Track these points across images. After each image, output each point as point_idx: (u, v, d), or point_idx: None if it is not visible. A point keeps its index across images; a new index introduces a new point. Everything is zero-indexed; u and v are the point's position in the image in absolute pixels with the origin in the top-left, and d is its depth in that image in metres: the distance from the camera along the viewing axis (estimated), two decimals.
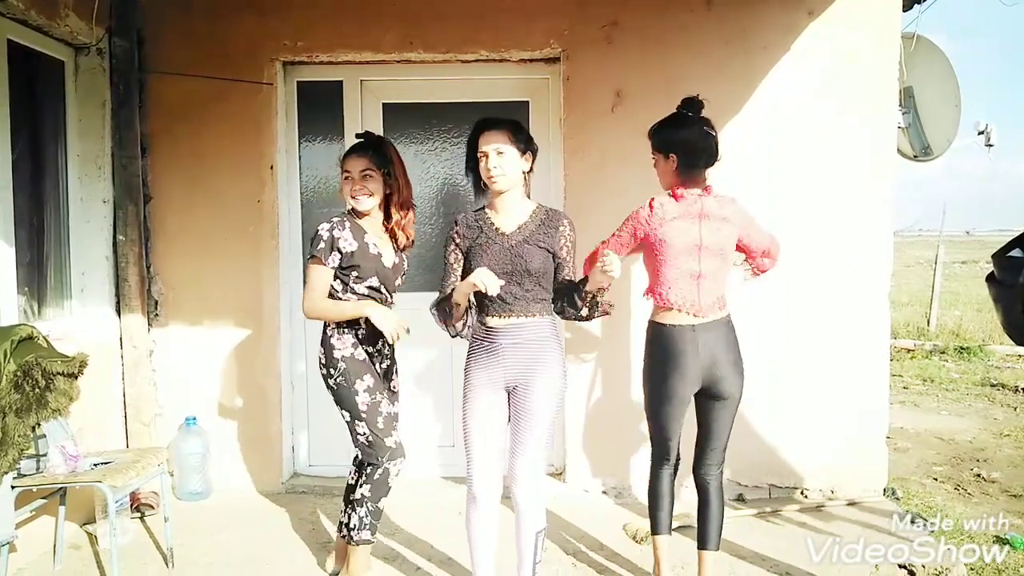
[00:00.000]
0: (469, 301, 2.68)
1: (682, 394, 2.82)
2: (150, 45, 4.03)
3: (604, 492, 4.13)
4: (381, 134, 4.18)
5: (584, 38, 3.98)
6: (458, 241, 2.75)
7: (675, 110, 2.87)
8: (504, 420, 2.74)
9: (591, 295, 2.64)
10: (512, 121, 2.73)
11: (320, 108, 4.26)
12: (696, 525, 2.96)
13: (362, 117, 4.20)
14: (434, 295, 2.83)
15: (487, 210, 2.76)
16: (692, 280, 2.78)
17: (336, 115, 4.22)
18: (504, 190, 2.68)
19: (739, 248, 2.94)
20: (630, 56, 3.97)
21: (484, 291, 2.50)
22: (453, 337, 2.76)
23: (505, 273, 2.63)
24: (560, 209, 3.99)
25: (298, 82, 4.22)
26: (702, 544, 2.91)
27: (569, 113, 4.01)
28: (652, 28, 3.96)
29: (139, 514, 3.82)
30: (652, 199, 2.80)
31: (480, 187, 2.76)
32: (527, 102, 4.21)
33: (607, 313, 2.73)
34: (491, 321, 2.69)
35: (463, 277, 2.73)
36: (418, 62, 4.11)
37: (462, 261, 2.76)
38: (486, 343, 2.70)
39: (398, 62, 4.12)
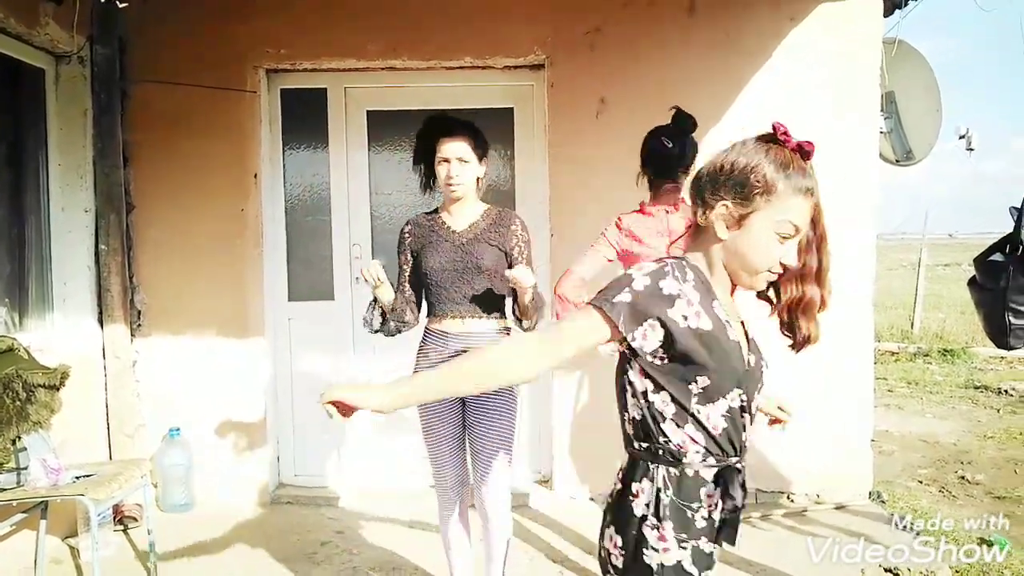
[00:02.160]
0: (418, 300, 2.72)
1: None
2: (132, 53, 4.01)
3: (591, 499, 4.12)
4: (366, 142, 4.20)
5: (568, 45, 3.98)
6: (408, 241, 2.74)
7: None
8: (462, 423, 2.72)
9: (525, 308, 2.62)
10: (470, 125, 2.69)
11: (304, 116, 4.24)
12: None
13: (347, 125, 4.19)
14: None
15: (439, 212, 2.75)
16: None
17: (320, 123, 4.21)
18: (461, 198, 2.68)
19: None
20: (614, 63, 3.98)
21: (519, 286, 2.48)
22: (387, 334, 2.73)
23: (456, 271, 2.62)
24: (547, 215, 4.02)
25: (282, 90, 4.20)
26: None
27: (554, 120, 4.02)
28: (636, 35, 3.97)
29: (122, 527, 3.78)
30: (619, 218, 2.83)
31: (429, 184, 2.74)
32: (512, 109, 4.21)
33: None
34: (447, 325, 2.66)
35: (414, 277, 2.73)
36: (402, 69, 4.11)
37: (411, 263, 2.75)
38: (439, 347, 2.67)
39: (382, 69, 4.11)
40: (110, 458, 3.96)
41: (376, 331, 2.75)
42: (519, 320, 2.69)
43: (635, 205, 2.90)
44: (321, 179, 4.26)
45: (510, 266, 2.65)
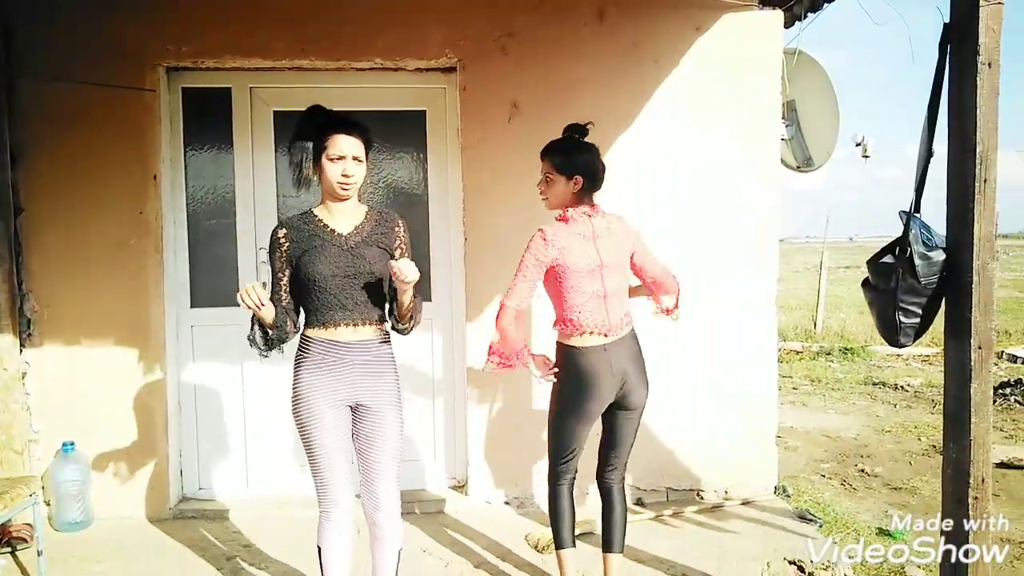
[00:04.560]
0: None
1: (595, 412, 2.85)
2: (20, 45, 3.78)
3: (507, 503, 4.11)
4: (272, 143, 4.08)
5: (480, 48, 3.97)
6: (286, 246, 2.54)
7: (563, 134, 2.89)
8: (350, 434, 2.62)
9: (407, 310, 2.59)
10: (361, 122, 2.58)
11: (207, 116, 4.08)
12: (600, 530, 2.99)
13: (252, 126, 4.06)
14: None
15: (315, 212, 2.60)
16: (599, 300, 2.80)
17: (224, 123, 4.06)
18: (350, 198, 2.57)
19: (633, 270, 2.97)
20: (526, 67, 3.98)
21: (404, 279, 2.37)
22: (266, 351, 2.57)
23: (346, 276, 2.50)
24: (461, 219, 4.00)
25: (183, 88, 4.04)
26: (607, 547, 2.95)
27: (466, 123, 3.99)
28: (547, 39, 3.99)
29: (9, 548, 3.56)
30: (541, 230, 2.78)
31: (303, 180, 2.55)
32: (424, 111, 4.16)
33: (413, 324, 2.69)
34: (339, 334, 2.53)
35: (295, 284, 2.56)
36: (310, 69, 4.00)
37: (288, 270, 2.56)
38: (331, 357, 2.53)
39: (290, 69, 4.00)
40: None
41: (264, 353, 2.58)
42: (397, 322, 2.63)
43: (536, 230, 2.86)
44: (225, 181, 4.12)
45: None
